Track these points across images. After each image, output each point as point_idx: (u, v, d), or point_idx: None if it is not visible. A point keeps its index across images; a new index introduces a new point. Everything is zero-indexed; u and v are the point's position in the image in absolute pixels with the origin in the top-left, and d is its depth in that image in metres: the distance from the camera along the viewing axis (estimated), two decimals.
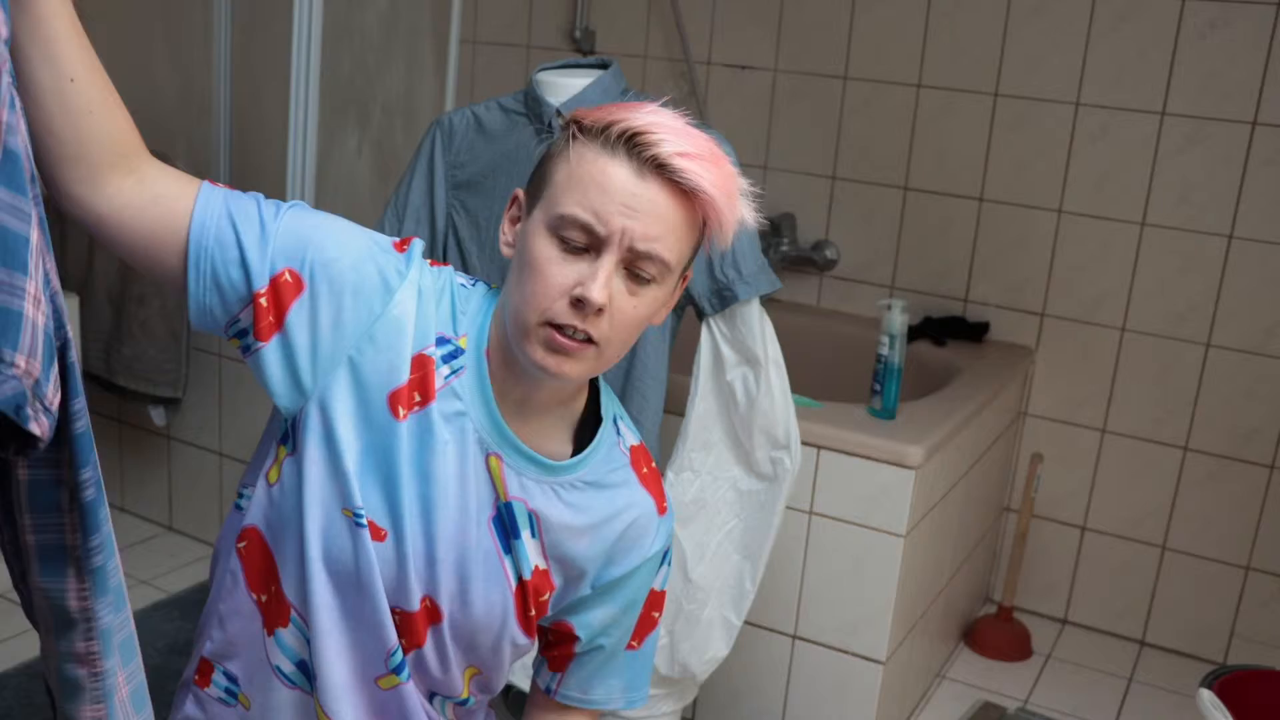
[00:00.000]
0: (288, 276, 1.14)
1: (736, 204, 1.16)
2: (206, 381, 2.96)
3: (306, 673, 1.24)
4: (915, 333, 2.97)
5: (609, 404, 1.30)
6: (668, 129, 1.13)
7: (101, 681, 1.04)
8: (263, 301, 1.13)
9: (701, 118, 3.23)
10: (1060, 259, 2.95)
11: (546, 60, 2.01)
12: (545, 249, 1.14)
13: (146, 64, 2.80)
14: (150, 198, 1.10)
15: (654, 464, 1.33)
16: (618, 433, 1.30)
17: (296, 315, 1.14)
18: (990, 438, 2.80)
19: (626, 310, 1.14)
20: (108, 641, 1.05)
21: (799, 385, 2.15)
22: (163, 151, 2.78)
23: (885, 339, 2.35)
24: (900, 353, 2.36)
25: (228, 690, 1.30)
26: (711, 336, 1.99)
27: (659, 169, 1.11)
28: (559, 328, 1.13)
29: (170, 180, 1.12)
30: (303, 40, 2.41)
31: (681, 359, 2.07)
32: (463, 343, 1.20)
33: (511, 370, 1.20)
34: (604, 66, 1.94)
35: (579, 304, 1.12)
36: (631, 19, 3.36)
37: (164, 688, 1.47)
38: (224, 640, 1.28)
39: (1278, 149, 2.70)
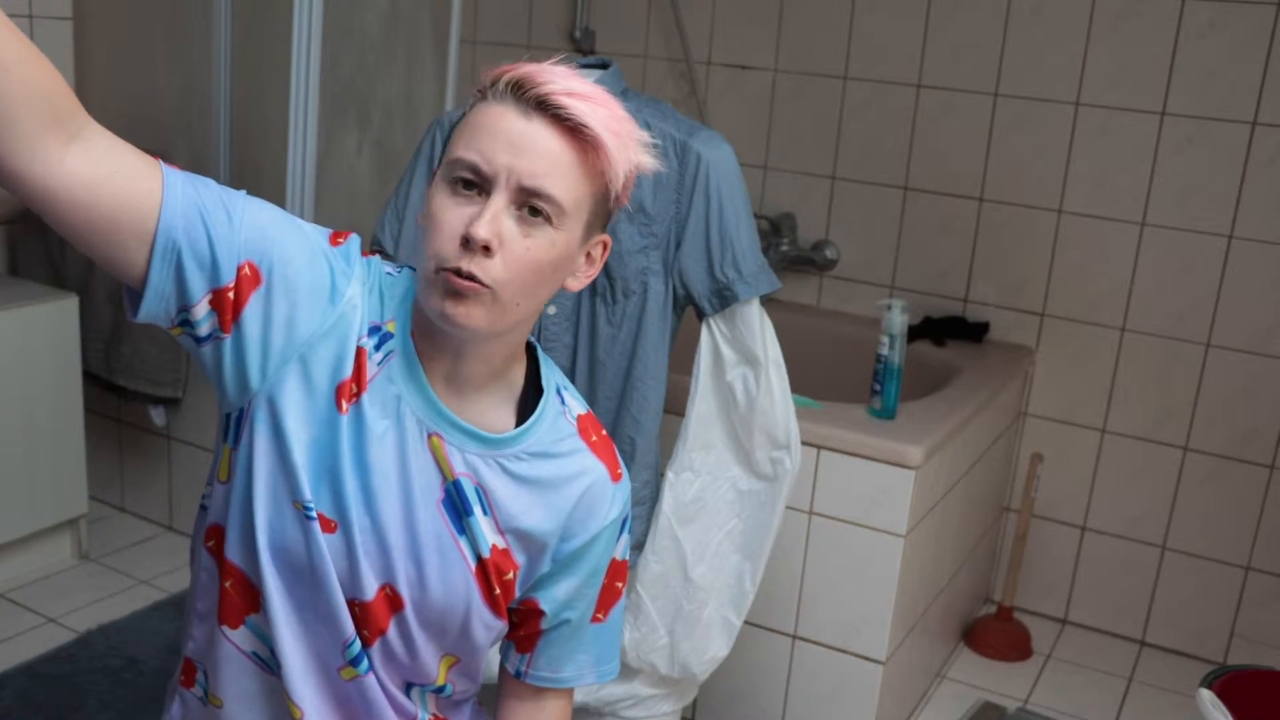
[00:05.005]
0: (248, 270, 1.13)
1: (628, 145, 1.14)
2: (206, 381, 2.96)
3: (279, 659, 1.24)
4: (915, 333, 2.97)
5: (550, 375, 1.29)
6: (555, 74, 1.13)
7: None
8: (230, 295, 1.13)
9: (701, 118, 3.24)
10: (1060, 259, 2.95)
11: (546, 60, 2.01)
12: (441, 199, 1.14)
13: (147, 64, 2.80)
14: (106, 173, 1.04)
15: (604, 432, 1.32)
16: (562, 403, 1.29)
17: (252, 309, 1.14)
18: (990, 438, 2.80)
19: (518, 251, 1.12)
20: None
21: (799, 385, 2.15)
22: (163, 150, 2.77)
23: (885, 339, 2.35)
24: (900, 353, 2.36)
25: (205, 689, 1.30)
26: (711, 336, 1.99)
27: (543, 107, 1.11)
28: (454, 271, 1.12)
29: (121, 155, 1.07)
30: (303, 40, 2.41)
31: (681, 359, 2.07)
32: (390, 327, 1.21)
33: (435, 343, 1.20)
34: (604, 66, 1.94)
35: (467, 243, 1.11)
36: (631, 19, 3.36)
37: (164, 687, 1.47)
38: (203, 637, 1.28)
39: (1278, 149, 2.70)
